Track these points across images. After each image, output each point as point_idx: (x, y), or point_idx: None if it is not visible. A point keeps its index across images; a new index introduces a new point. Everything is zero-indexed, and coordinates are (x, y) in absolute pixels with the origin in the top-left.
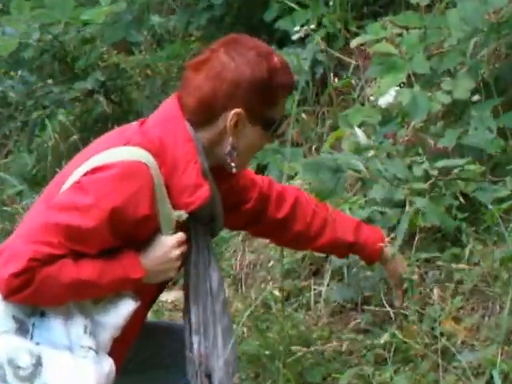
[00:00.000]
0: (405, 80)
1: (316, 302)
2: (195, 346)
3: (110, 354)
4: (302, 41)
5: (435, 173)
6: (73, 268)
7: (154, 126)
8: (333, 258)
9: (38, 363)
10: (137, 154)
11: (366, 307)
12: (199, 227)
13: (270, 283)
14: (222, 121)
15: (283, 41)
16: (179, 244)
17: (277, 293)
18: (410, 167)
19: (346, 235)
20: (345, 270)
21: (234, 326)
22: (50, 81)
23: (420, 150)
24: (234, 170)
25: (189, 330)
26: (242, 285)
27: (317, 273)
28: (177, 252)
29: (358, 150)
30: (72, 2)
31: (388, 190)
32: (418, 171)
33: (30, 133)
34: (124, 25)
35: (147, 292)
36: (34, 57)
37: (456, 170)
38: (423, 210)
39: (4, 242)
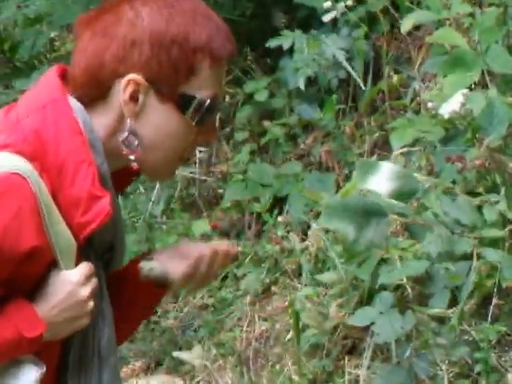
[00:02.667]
0: (477, 80)
1: None
2: None
3: None
4: (335, 23)
5: None
6: None
7: (27, 115)
8: (376, 328)
9: None
10: (6, 162)
11: None
12: (92, 257)
13: (289, 364)
14: (115, 94)
15: (308, 22)
16: (88, 278)
17: (297, 378)
18: (479, 208)
19: None
20: (392, 346)
21: None
22: None
23: (497, 179)
24: (134, 166)
25: None
26: (249, 366)
27: (353, 350)
28: (86, 290)
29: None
30: None
31: (447, 241)
32: (490, 214)
33: None
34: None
35: (52, 351)
36: None
37: None
38: (498, 265)
39: None
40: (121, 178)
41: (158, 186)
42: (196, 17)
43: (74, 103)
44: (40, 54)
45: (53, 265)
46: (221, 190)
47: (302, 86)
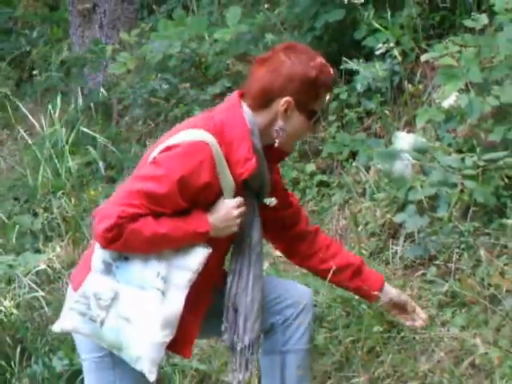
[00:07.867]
0: (463, 87)
1: (393, 258)
2: (228, 285)
3: (198, 298)
4: (383, 55)
5: (482, 163)
6: (153, 224)
7: (219, 113)
8: (407, 224)
9: (116, 297)
10: (199, 134)
11: (432, 263)
12: (249, 194)
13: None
14: (275, 106)
15: (369, 55)
16: (238, 205)
17: (363, 251)
18: (462, 159)
19: (353, 260)
20: (416, 234)
21: None
22: (187, 84)
23: (474, 142)
24: (276, 144)
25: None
26: None
27: (394, 235)
28: (236, 211)
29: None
30: (206, 23)
31: (443, 175)
32: (468, 162)
33: (172, 124)
34: (245, 41)
35: (219, 244)
36: (176, 65)
37: (501, 162)
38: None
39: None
40: (271, 153)
41: None
42: (323, 67)
43: (245, 108)
44: (221, 71)
45: (221, 196)
46: (321, 147)
47: (359, 88)
